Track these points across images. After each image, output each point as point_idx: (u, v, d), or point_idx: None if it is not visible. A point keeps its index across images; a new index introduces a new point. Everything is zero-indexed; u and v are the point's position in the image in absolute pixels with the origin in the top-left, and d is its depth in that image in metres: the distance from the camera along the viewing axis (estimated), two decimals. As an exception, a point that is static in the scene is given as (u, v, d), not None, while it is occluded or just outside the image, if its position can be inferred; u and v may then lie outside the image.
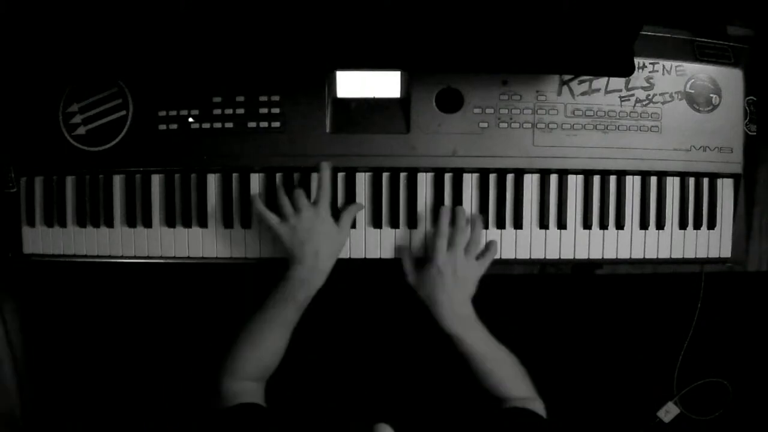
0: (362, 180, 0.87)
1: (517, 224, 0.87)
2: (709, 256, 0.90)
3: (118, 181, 0.88)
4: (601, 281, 1.08)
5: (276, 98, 0.84)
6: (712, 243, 0.90)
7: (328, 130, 0.85)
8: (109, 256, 0.89)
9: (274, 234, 0.82)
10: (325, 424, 0.74)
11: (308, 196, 0.86)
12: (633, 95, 0.87)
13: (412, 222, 0.87)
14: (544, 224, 0.87)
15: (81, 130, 0.87)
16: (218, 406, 0.76)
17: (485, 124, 0.85)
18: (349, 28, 0.73)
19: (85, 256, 0.89)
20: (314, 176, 0.86)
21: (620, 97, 0.87)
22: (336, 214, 0.84)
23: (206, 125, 0.85)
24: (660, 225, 0.89)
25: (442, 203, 0.86)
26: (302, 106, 0.85)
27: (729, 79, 0.89)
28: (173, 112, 0.85)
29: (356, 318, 1.26)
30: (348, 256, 0.87)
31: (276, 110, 0.85)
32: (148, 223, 0.88)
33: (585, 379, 1.36)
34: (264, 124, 0.85)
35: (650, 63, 0.87)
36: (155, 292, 1.30)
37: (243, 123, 0.85)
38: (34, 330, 1.24)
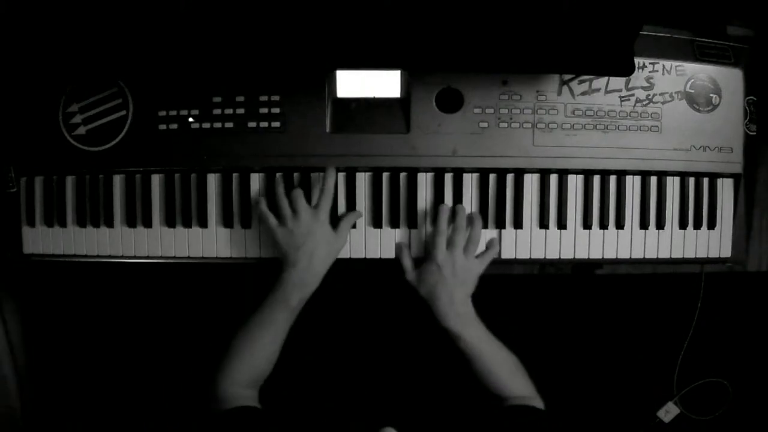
0: (362, 180, 0.87)
1: (517, 224, 0.87)
2: (709, 256, 0.90)
3: (118, 181, 0.88)
4: (601, 281, 1.08)
5: (276, 98, 0.84)
6: (712, 243, 0.90)
7: (328, 130, 0.85)
8: (109, 256, 0.89)
9: (272, 235, 0.82)
10: (325, 425, 0.74)
11: (308, 197, 0.86)
12: (633, 95, 0.87)
13: (413, 222, 0.87)
14: (544, 224, 0.87)
15: (81, 130, 0.87)
16: (214, 410, 0.76)
17: (485, 124, 0.85)
18: (349, 27, 0.73)
19: (85, 256, 0.89)
20: (314, 176, 0.87)
21: (620, 97, 0.87)
22: (334, 220, 0.84)
23: (206, 125, 0.85)
24: (660, 225, 0.89)
25: (443, 203, 0.86)
26: (302, 106, 0.85)
27: (729, 79, 0.89)
28: (173, 112, 0.85)
29: (356, 318, 1.26)
30: (348, 256, 0.87)
31: (276, 110, 0.85)
32: (148, 223, 0.88)
33: (585, 379, 1.36)
34: (264, 124, 0.85)
35: (650, 63, 0.87)
36: (155, 292, 1.30)
37: (243, 123, 0.85)
38: (34, 330, 1.24)
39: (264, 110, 0.85)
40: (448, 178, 0.87)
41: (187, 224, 0.88)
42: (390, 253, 0.87)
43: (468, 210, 0.86)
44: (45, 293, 1.27)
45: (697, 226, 0.90)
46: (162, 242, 0.88)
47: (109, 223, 0.88)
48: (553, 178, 0.88)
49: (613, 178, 0.88)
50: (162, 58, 0.76)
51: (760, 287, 1.30)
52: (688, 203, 0.89)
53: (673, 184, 0.89)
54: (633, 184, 0.89)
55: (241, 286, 1.22)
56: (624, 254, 0.89)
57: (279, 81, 0.84)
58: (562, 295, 1.35)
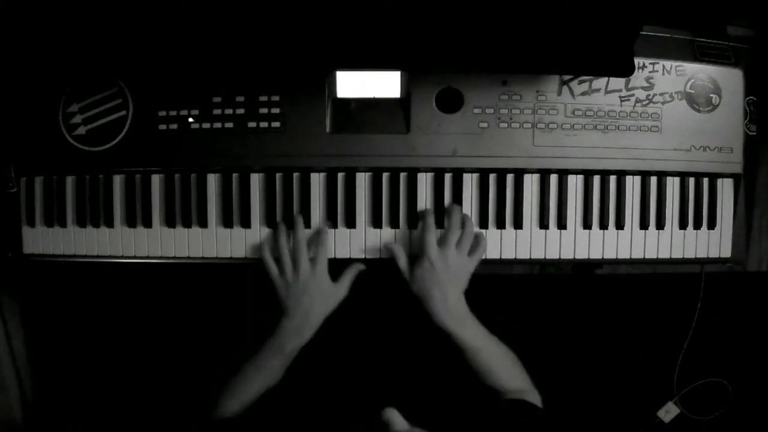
0: (362, 180, 0.87)
1: (517, 224, 0.87)
2: (709, 256, 0.90)
3: (118, 181, 0.88)
4: (601, 281, 1.08)
5: (276, 98, 0.84)
6: (712, 243, 0.90)
7: (328, 130, 0.85)
8: (109, 256, 0.88)
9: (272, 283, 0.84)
10: (324, 424, 0.74)
11: (308, 198, 0.86)
12: (633, 95, 0.87)
13: (413, 222, 0.87)
14: (544, 224, 0.87)
15: (81, 130, 0.87)
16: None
17: (485, 124, 0.85)
18: (349, 27, 0.73)
19: (85, 256, 0.89)
20: (314, 177, 0.87)
21: (620, 97, 0.87)
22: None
23: (206, 125, 0.85)
24: (660, 225, 0.89)
25: (443, 203, 0.86)
26: (302, 106, 0.85)
27: (729, 79, 0.89)
28: (173, 112, 0.85)
29: (356, 318, 1.26)
30: (348, 256, 0.87)
31: (276, 110, 0.85)
32: (148, 223, 0.88)
33: (585, 379, 1.36)
34: (264, 124, 0.85)
35: (650, 63, 0.87)
36: (155, 292, 1.30)
37: (243, 123, 0.85)
38: (34, 330, 1.24)
39: (264, 110, 0.85)
40: (448, 178, 0.87)
41: (187, 224, 0.88)
42: (390, 254, 0.87)
43: (468, 210, 0.86)
44: (45, 293, 1.27)
45: (697, 226, 0.90)
46: (162, 242, 0.88)
47: (109, 224, 0.88)
48: (553, 178, 0.88)
49: (613, 179, 0.88)
50: (162, 58, 0.76)
51: (760, 287, 1.30)
52: (688, 203, 0.89)
53: (673, 185, 0.89)
54: (633, 184, 0.89)
55: (241, 286, 1.22)
56: (624, 254, 0.89)
57: (279, 81, 0.84)
58: (562, 295, 1.35)
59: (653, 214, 0.89)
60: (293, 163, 0.86)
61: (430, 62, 0.77)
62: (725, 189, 0.90)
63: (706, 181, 0.90)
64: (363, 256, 0.87)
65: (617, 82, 0.86)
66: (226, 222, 0.87)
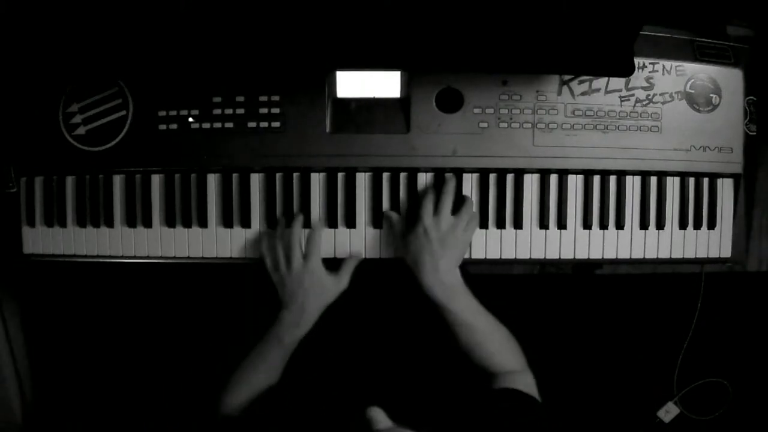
0: (362, 180, 0.87)
1: (517, 224, 0.87)
2: (709, 256, 0.90)
3: (118, 181, 0.88)
4: (601, 281, 1.08)
5: (276, 98, 0.84)
6: (712, 243, 0.90)
7: (328, 130, 0.85)
8: (109, 256, 0.88)
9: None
10: (322, 423, 0.74)
11: (308, 198, 0.86)
12: (633, 95, 0.87)
13: (413, 222, 0.86)
14: (544, 224, 0.87)
15: (81, 130, 0.87)
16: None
17: (485, 124, 0.85)
18: (349, 27, 0.73)
19: (85, 256, 0.89)
20: (314, 176, 0.87)
21: (620, 97, 0.87)
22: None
23: (206, 125, 0.85)
24: (660, 225, 0.89)
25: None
26: (302, 106, 0.85)
27: (729, 79, 0.89)
28: (173, 112, 0.85)
29: (356, 318, 1.26)
30: (348, 257, 0.87)
31: (276, 110, 0.85)
32: (148, 223, 0.88)
33: (585, 378, 1.36)
34: (264, 124, 0.85)
35: (650, 63, 0.87)
36: (155, 292, 1.30)
37: (243, 123, 0.85)
38: (34, 330, 1.24)
39: (264, 110, 0.85)
40: (448, 178, 0.87)
41: (187, 224, 0.88)
42: (390, 253, 0.87)
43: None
44: (45, 293, 1.27)
45: (697, 226, 0.90)
46: (162, 242, 0.88)
47: (109, 223, 0.88)
48: (553, 178, 0.88)
49: (613, 178, 0.88)
50: (162, 58, 0.76)
51: (760, 287, 1.30)
52: (688, 203, 0.89)
53: (673, 184, 0.89)
54: (633, 184, 0.89)
55: (241, 286, 1.22)
56: (624, 254, 0.89)
57: (279, 81, 0.84)
58: (562, 295, 1.35)
59: (653, 214, 0.89)
60: (293, 163, 0.86)
61: (430, 62, 0.77)
62: (725, 189, 0.90)
63: (706, 181, 0.90)
64: (363, 256, 0.87)
65: (617, 82, 0.86)
66: (226, 222, 0.87)
